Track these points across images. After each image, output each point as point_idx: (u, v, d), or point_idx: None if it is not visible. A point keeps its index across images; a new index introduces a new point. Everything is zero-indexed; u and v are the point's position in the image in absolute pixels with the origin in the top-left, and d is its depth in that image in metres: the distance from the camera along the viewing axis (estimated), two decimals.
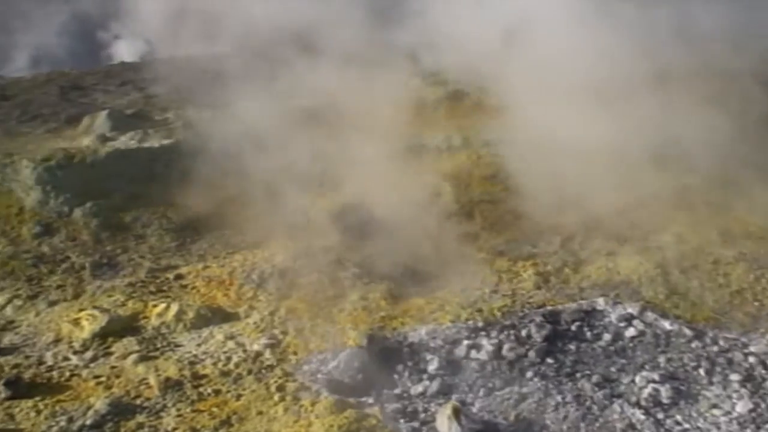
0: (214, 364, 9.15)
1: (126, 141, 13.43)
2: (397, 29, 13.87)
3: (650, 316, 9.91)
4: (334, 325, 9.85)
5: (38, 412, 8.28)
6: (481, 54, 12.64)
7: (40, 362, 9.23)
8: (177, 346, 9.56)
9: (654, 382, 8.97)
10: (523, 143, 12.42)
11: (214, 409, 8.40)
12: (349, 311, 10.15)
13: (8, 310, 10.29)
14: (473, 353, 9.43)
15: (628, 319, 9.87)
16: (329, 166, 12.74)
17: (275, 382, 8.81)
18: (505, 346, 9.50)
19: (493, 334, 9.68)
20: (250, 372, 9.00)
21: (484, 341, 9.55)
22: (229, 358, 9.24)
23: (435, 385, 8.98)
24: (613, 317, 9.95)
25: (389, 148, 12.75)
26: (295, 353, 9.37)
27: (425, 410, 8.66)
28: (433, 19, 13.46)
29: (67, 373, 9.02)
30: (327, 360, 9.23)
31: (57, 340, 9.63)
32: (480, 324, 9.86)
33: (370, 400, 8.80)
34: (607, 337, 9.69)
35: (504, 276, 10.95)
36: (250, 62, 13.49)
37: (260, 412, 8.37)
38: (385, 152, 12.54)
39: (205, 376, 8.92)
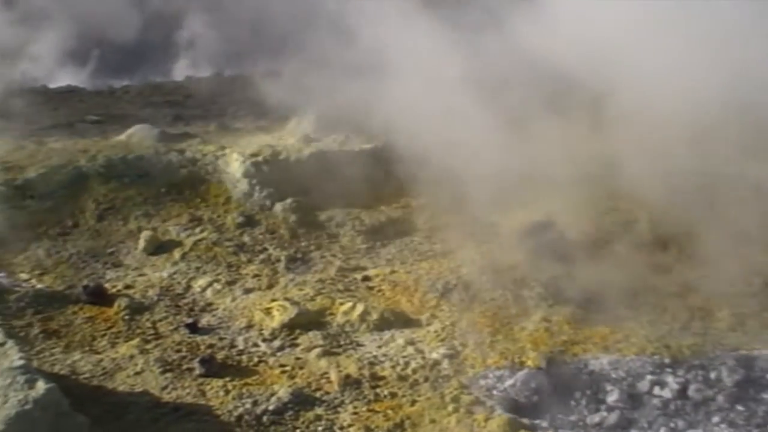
0: (393, 367, 9.34)
1: (329, 143, 13.96)
2: None
3: None
4: (514, 344, 9.80)
5: (227, 392, 8.77)
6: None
7: (232, 345, 9.78)
8: (359, 345, 9.84)
9: None
10: (727, 175, 11.86)
11: (389, 412, 8.57)
12: (531, 331, 10.05)
13: (208, 293, 10.96)
14: (656, 389, 9.11)
15: None
16: (523, 182, 12.64)
17: (450, 392, 8.87)
18: (692, 387, 9.10)
19: (680, 372, 9.30)
20: (426, 379, 9.12)
21: (670, 378, 9.20)
22: (407, 363, 9.40)
23: (613, 417, 8.74)
24: None
25: (585, 169, 12.53)
26: (472, 366, 9.40)
27: None
28: None
29: (256, 359, 9.51)
30: (504, 377, 9.20)
31: (249, 327, 10.16)
32: (666, 360, 9.48)
33: (544, 424, 8.70)
34: None
35: (696, 313, 10.46)
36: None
37: (433, 421, 8.46)
38: (580, 174, 12.33)
39: (383, 377, 9.13)
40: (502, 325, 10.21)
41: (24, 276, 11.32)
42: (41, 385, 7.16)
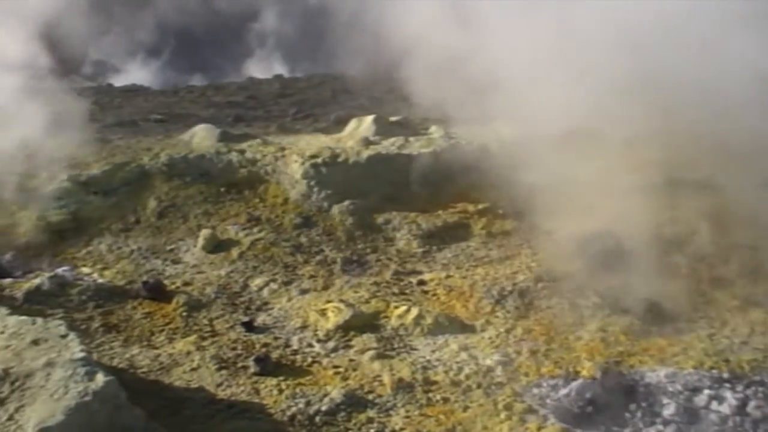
0: (446, 372, 9.31)
1: (387, 146, 14.01)
2: None
3: None
4: (569, 353, 9.69)
5: (280, 391, 8.84)
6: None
7: (287, 345, 9.86)
8: (412, 349, 9.83)
9: None
10: None
11: (441, 417, 8.54)
12: (586, 341, 9.93)
13: (265, 292, 11.08)
14: (714, 404, 8.91)
15: None
16: (581, 190, 12.50)
17: (503, 400, 8.80)
18: (752, 403, 8.89)
19: (739, 388, 9.08)
20: (479, 386, 9.07)
21: (728, 394, 8.99)
22: (460, 369, 9.36)
23: (669, 431, 8.61)
24: None
25: (646, 178, 12.35)
26: (526, 374, 9.32)
27: None
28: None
29: (309, 359, 9.56)
30: (558, 386, 9.10)
31: (304, 327, 10.23)
32: (725, 375, 9.27)
33: None
34: None
35: (757, 328, 10.20)
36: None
37: (485, 428, 8.40)
38: (640, 183, 12.15)
39: (435, 382, 9.10)
40: (558, 333, 10.10)
41: (86, 270, 11.59)
42: (101, 378, 7.29)
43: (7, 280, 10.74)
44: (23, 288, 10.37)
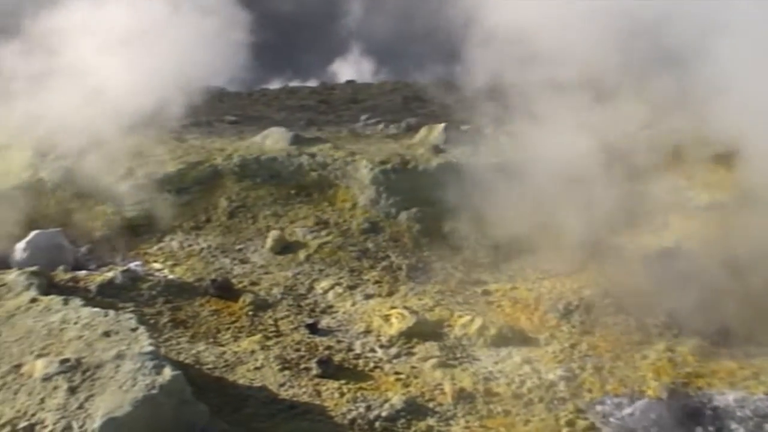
0: (508, 384, 9.25)
1: (457, 154, 13.99)
2: None
3: None
4: (634, 371, 9.53)
5: (342, 395, 8.89)
6: None
7: (350, 349, 9.92)
8: (475, 359, 9.79)
9: None
10: None
11: (501, 429, 8.49)
12: (653, 360, 9.76)
13: (329, 296, 11.16)
14: None
15: None
16: (651, 206, 12.33)
17: (565, 415, 8.70)
18: None
19: None
20: (541, 400, 8.99)
21: None
22: (522, 382, 9.29)
23: None
24: None
25: (719, 196, 12.09)
26: (589, 391, 9.21)
27: None
28: None
29: (371, 364, 9.61)
30: (622, 405, 8.96)
31: (367, 332, 10.28)
32: None
33: None
34: None
35: None
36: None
37: None
38: (713, 200, 11.91)
39: (497, 394, 9.05)
40: (623, 351, 9.96)
41: (157, 266, 11.85)
42: (168, 372, 7.43)
43: (83, 272, 11.05)
44: (97, 281, 10.65)
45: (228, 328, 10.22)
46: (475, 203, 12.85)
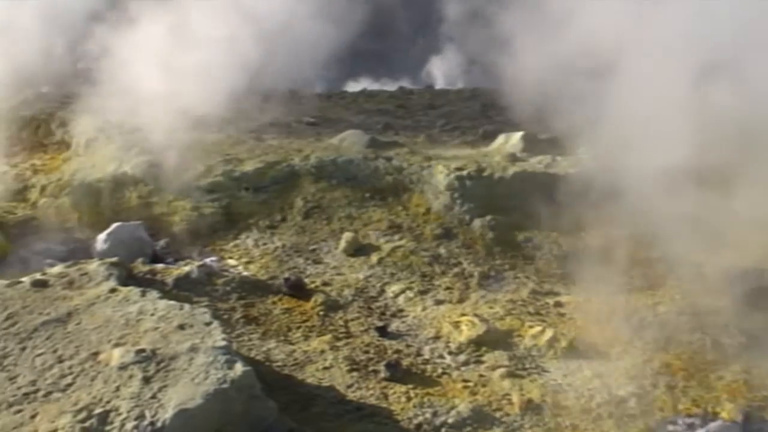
0: (577, 398, 9.13)
1: (534, 164, 13.88)
2: None
3: None
4: (708, 392, 9.31)
5: (408, 399, 8.91)
6: None
7: (418, 354, 9.93)
8: (544, 370, 9.69)
9: None
10: None
11: None
12: (728, 381, 9.51)
13: (400, 300, 11.19)
14: None
15: None
16: (736, 223, 11.99)
17: None
18: None
19: None
20: (611, 416, 8.84)
21: None
22: (592, 396, 9.16)
23: None
24: None
25: None
26: (661, 409, 9.02)
27: None
28: None
29: (440, 370, 9.59)
30: (694, 426, 8.76)
31: (436, 338, 10.27)
32: None
33: None
34: None
35: None
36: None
37: None
38: None
39: (565, 407, 8.94)
40: (698, 370, 9.73)
41: (232, 262, 12.06)
42: (239, 367, 7.56)
43: (160, 266, 11.31)
44: (174, 274, 10.89)
45: (299, 327, 10.34)
46: (551, 213, 12.73)
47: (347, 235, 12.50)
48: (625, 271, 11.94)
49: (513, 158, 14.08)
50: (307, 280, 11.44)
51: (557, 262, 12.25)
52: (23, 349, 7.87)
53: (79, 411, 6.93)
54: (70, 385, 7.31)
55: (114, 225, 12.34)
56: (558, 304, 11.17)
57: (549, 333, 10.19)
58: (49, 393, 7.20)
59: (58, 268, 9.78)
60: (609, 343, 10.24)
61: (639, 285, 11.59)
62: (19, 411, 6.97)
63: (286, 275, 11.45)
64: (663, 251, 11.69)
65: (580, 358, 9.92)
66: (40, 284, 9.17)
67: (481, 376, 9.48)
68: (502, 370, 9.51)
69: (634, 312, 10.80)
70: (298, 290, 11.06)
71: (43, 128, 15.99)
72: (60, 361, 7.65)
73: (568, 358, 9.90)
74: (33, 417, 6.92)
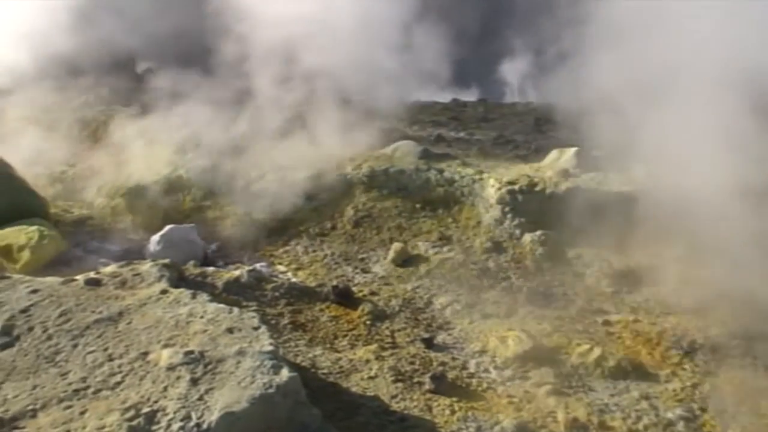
0: (623, 419, 9.00)
1: (586, 180, 13.75)
2: None
3: None
4: (759, 419, 9.10)
5: (452, 412, 8.88)
6: None
7: (464, 367, 9.89)
8: (590, 389, 9.58)
9: None
10: None
11: None
12: None
13: (447, 312, 11.17)
14: None
15: None
16: None
17: None
18: None
19: None
20: None
21: None
22: (639, 418, 9.03)
23: None
24: None
25: None
26: None
27: None
28: None
29: (485, 385, 9.54)
30: None
31: (482, 351, 10.23)
32: None
33: None
34: None
35: None
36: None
37: None
38: None
39: (611, 427, 8.82)
40: (748, 396, 9.52)
41: (282, 268, 12.18)
42: (285, 373, 7.60)
43: (211, 269, 11.44)
44: (224, 278, 11.01)
45: (345, 335, 10.38)
46: (602, 231, 12.60)
47: (396, 246, 12.53)
48: (676, 292, 11.78)
49: (566, 174, 13.97)
50: (354, 289, 11.49)
51: (607, 280, 12.10)
52: (75, 346, 8.01)
53: (127, 409, 7.03)
54: (119, 383, 7.41)
55: (167, 227, 12.55)
56: (607, 323, 11.04)
57: (597, 351, 10.07)
58: (99, 390, 7.31)
59: (111, 268, 9.94)
60: (658, 365, 10.10)
61: (690, 306, 11.39)
62: (69, 407, 7.08)
63: (335, 283, 11.51)
64: (715, 273, 11.48)
65: (628, 378, 9.79)
66: (94, 283, 9.32)
67: (526, 392, 9.40)
68: (547, 387, 9.42)
69: (684, 334, 10.63)
70: (346, 298, 11.11)
71: (101, 130, 16.30)
72: (110, 359, 7.77)
73: (616, 378, 9.77)
74: (82, 413, 7.03)
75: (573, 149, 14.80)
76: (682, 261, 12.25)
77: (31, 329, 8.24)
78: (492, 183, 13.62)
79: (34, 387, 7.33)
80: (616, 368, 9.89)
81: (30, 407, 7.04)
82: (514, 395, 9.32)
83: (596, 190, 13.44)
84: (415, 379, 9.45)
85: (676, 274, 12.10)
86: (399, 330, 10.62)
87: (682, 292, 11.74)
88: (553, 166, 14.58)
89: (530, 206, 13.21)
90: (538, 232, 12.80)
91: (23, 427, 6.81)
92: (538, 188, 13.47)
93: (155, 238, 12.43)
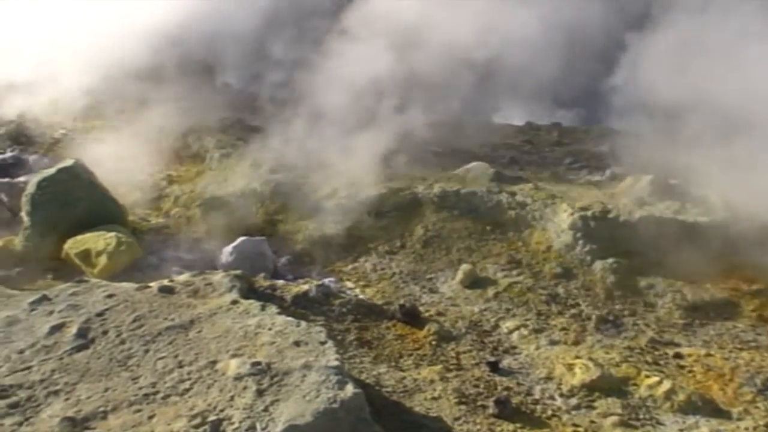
0: None
1: (662, 209, 13.49)
2: None
3: None
4: None
5: None
6: None
7: (529, 393, 9.78)
8: (659, 423, 9.37)
9: None
10: None
11: None
12: None
13: (514, 336, 11.07)
14: None
15: None
16: None
17: None
18: None
19: None
20: None
21: None
22: None
23: None
24: None
25: None
26: None
27: None
28: None
29: (549, 412, 9.42)
30: None
31: (548, 378, 10.10)
32: None
33: None
34: None
35: None
36: None
37: None
38: None
39: None
40: None
41: (350, 285, 12.24)
42: (350, 389, 7.63)
43: (280, 282, 11.57)
44: (293, 291, 11.12)
45: (410, 355, 10.37)
46: (676, 261, 12.36)
47: (465, 267, 12.49)
48: (752, 328, 11.48)
49: (640, 202, 13.74)
50: (421, 309, 11.47)
51: (680, 312, 11.84)
52: (147, 351, 8.18)
53: (194, 416, 7.15)
54: (187, 390, 7.54)
55: (240, 239, 12.75)
56: (678, 356, 10.78)
57: (666, 384, 9.84)
58: (168, 396, 7.46)
59: (184, 276, 10.14)
60: (730, 402, 9.82)
61: (766, 343, 11.08)
62: (139, 411, 7.24)
63: (402, 302, 11.52)
64: None
65: (699, 414, 9.54)
66: (167, 290, 9.52)
67: (591, 422, 9.25)
68: (614, 418, 9.25)
69: (758, 371, 10.33)
70: (413, 318, 11.10)
71: (180, 141, 16.66)
72: (180, 366, 7.92)
73: (686, 413, 9.53)
74: (150, 418, 7.17)
75: (648, 177, 14.55)
76: (760, 295, 11.94)
77: (105, 333, 8.47)
78: (564, 208, 13.47)
79: (106, 389, 7.52)
80: (686, 402, 9.64)
81: (101, 409, 7.22)
82: (579, 424, 9.18)
83: (671, 220, 13.19)
84: (479, 403, 9.38)
85: (752, 309, 11.80)
86: (464, 352, 10.57)
87: (758, 328, 11.44)
88: (627, 193, 14.36)
89: (602, 233, 13.01)
90: (610, 260, 12.60)
91: (94, 428, 6.99)
92: (611, 215, 13.27)
93: (227, 249, 12.65)
